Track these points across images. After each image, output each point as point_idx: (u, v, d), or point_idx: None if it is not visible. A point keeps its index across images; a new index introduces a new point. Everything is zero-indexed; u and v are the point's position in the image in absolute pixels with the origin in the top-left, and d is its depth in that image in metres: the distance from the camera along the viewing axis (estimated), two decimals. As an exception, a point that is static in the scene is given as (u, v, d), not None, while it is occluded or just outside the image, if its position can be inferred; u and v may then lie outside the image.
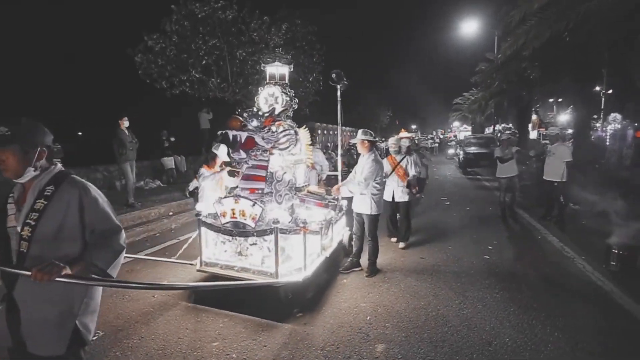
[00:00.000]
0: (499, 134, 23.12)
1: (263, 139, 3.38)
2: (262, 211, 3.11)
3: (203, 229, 3.38)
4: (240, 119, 3.12)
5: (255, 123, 3.29)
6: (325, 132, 24.17)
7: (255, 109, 3.34)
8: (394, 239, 5.35)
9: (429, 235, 5.71)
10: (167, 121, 11.80)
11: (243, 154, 3.22)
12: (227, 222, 3.29)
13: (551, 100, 27.21)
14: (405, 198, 5.07)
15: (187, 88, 9.82)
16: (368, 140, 4.05)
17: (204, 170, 4.30)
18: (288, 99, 4.00)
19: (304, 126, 4.60)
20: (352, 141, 4.21)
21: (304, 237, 3.17)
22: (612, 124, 12.48)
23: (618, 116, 12.62)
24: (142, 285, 1.69)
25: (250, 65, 9.90)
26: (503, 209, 6.64)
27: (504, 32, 10.99)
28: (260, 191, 3.47)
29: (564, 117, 27.20)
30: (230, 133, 3.13)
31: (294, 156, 3.99)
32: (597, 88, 15.48)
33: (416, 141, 11.44)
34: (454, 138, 33.03)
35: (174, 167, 10.47)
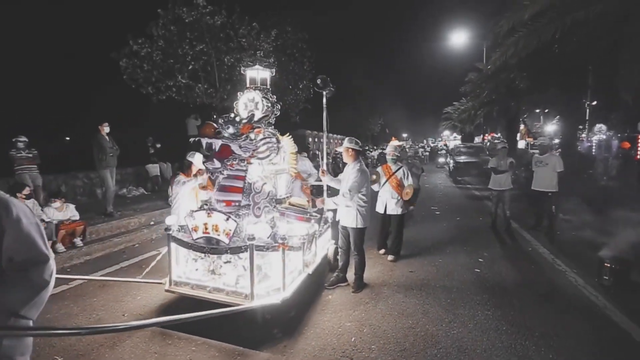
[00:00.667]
0: (488, 144, 23.38)
1: (240, 147, 3.17)
2: (236, 226, 2.89)
3: (173, 245, 3.13)
4: (215, 125, 2.92)
5: (231, 130, 3.08)
6: (316, 139, 24.08)
7: (232, 115, 3.14)
8: (382, 251, 5.15)
9: (418, 247, 5.53)
10: (153, 127, 11.49)
11: (217, 164, 3.00)
12: (199, 238, 3.05)
13: (538, 110, 27.74)
14: (399, 211, 4.89)
15: (173, 94, 9.57)
16: (353, 149, 3.88)
17: (181, 177, 4.07)
18: (269, 104, 3.82)
19: (288, 134, 4.42)
20: (338, 149, 4.04)
21: (282, 255, 2.95)
22: (597, 135, 12.66)
23: (603, 127, 12.81)
24: (68, 330, 1.35)
25: (238, 72, 9.71)
26: (494, 221, 6.50)
27: (493, 42, 11.09)
28: (236, 204, 3.25)
29: (551, 127, 27.70)
30: (204, 141, 2.92)
31: (275, 166, 3.79)
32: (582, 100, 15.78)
33: (407, 150, 11.36)
34: (444, 147, 33.27)
35: (159, 174, 10.15)
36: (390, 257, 4.92)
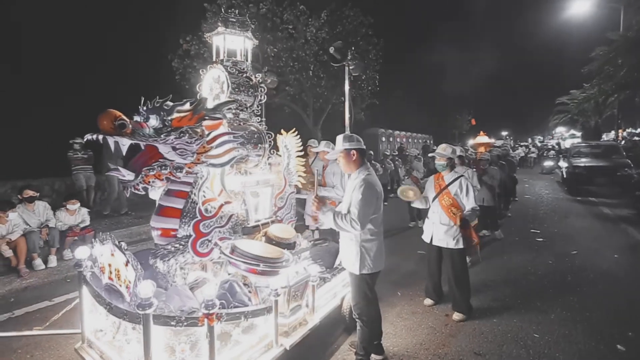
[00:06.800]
0: (623, 142, 17.51)
1: (175, 149, 2.04)
2: (136, 277, 1.76)
3: (86, 289, 2.19)
4: (117, 114, 1.84)
5: (154, 122, 1.98)
6: (390, 139, 21.94)
7: (158, 101, 2.04)
8: (428, 302, 3.44)
9: (498, 299, 3.58)
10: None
11: (128, 175, 1.93)
12: (107, 284, 2.04)
13: None
14: (450, 243, 3.14)
15: (223, 92, 9.26)
16: (356, 150, 2.35)
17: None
18: (248, 85, 2.62)
19: (293, 130, 3.16)
20: (330, 156, 2.55)
21: (209, 333, 1.70)
22: None
23: None
24: None
25: (283, 62, 8.84)
26: None
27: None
28: (174, 234, 2.15)
29: None
30: (111, 140, 1.88)
31: (251, 176, 2.57)
32: None
33: (498, 149, 8.77)
34: (554, 147, 26.92)
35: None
36: (456, 317, 3.18)
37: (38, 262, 4.25)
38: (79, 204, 4.78)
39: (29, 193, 4.35)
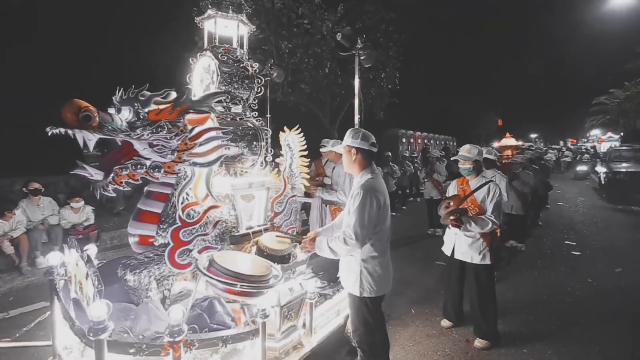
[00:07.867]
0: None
1: (152, 145, 1.80)
2: (94, 292, 1.52)
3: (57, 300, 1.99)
4: (83, 105, 1.61)
5: (127, 115, 1.74)
6: (411, 140, 21.26)
7: (134, 91, 1.80)
8: (446, 323, 3.04)
9: (529, 325, 3.11)
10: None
11: (96, 174, 1.70)
12: (74, 297, 1.82)
13: None
14: (476, 258, 2.73)
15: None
16: (357, 149, 1.99)
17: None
18: (243, 76, 2.35)
19: (296, 127, 2.86)
20: (337, 149, 2.24)
21: (174, 364, 1.43)
22: None
23: None
24: None
25: (297, 59, 8.55)
26: None
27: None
28: (152, 241, 1.91)
29: None
30: (79, 135, 1.65)
31: (243, 177, 2.29)
32: None
33: (530, 151, 8.07)
34: (588, 150, 25.10)
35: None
36: (478, 344, 2.76)
37: (40, 260, 4.20)
38: (83, 202, 4.71)
39: (35, 185, 4.33)
